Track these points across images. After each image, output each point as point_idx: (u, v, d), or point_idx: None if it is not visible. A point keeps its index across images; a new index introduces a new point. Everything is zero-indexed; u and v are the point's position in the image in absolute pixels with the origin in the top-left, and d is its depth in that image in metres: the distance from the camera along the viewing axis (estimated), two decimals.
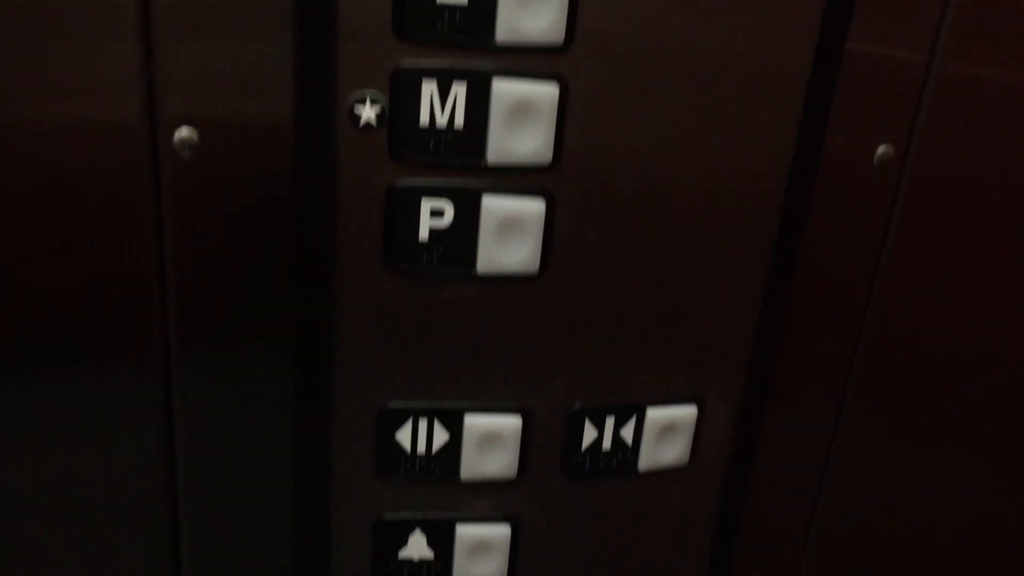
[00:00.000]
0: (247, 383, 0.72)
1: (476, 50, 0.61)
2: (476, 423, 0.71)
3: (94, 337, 0.68)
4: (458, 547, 0.75)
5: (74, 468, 0.72)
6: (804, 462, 0.87)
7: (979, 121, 0.76)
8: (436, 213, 0.64)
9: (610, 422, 0.73)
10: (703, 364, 0.75)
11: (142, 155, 0.64)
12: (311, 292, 0.67)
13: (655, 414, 0.74)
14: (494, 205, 0.65)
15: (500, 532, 0.75)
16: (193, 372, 0.70)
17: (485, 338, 0.69)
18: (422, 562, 0.75)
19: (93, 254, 0.66)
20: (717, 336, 0.75)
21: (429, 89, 0.61)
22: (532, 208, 0.65)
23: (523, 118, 0.62)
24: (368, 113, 0.62)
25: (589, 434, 0.73)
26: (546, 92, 0.62)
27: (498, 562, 0.76)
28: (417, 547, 0.75)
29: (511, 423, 0.71)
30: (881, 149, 0.75)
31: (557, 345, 0.70)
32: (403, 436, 0.71)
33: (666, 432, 0.75)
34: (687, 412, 0.75)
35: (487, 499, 0.75)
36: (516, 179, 0.65)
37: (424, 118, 0.62)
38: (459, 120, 0.62)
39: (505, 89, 0.62)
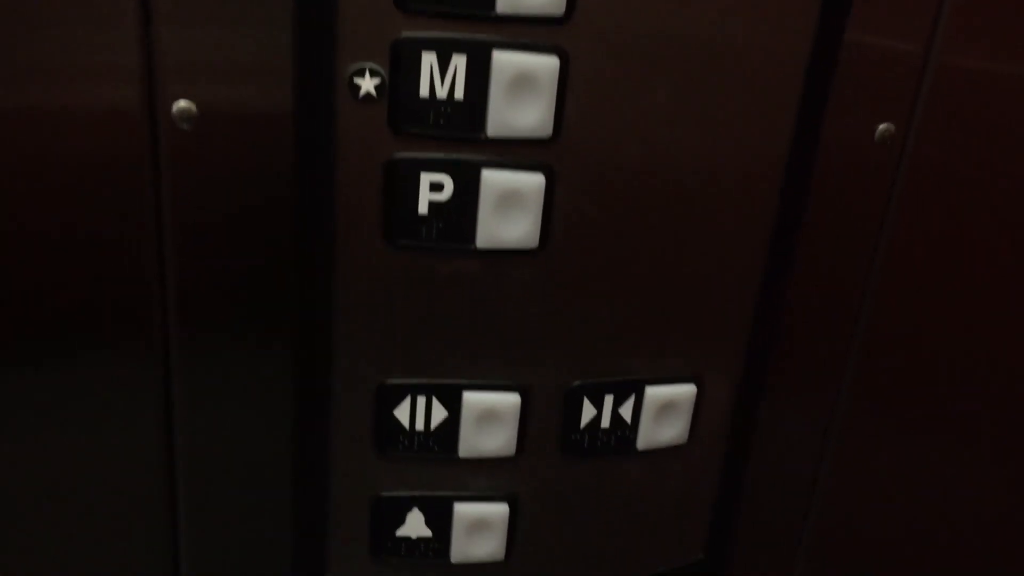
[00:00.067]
0: (247, 379, 0.71)
1: (476, 21, 0.61)
2: (475, 400, 0.71)
3: (93, 327, 0.68)
4: (456, 525, 0.75)
5: (74, 466, 0.72)
6: (799, 459, 0.87)
7: (976, 110, 0.76)
8: (435, 186, 0.64)
9: (609, 400, 0.73)
10: (702, 343, 0.75)
11: (142, 140, 0.64)
12: (311, 268, 0.67)
13: (654, 392, 0.74)
14: (494, 178, 0.64)
15: (498, 510, 0.75)
16: (192, 367, 0.70)
17: (484, 314, 0.69)
18: (420, 540, 0.75)
19: (92, 244, 0.66)
20: (716, 315, 0.74)
21: (429, 61, 0.61)
22: (532, 182, 0.65)
23: (523, 91, 0.62)
24: (368, 85, 0.61)
25: (588, 412, 0.73)
26: (547, 64, 0.62)
27: (496, 540, 0.76)
28: (415, 525, 0.75)
29: (510, 400, 0.71)
30: (882, 127, 0.75)
31: (556, 321, 0.70)
32: (401, 413, 0.71)
33: (665, 410, 0.75)
34: (686, 391, 0.75)
35: (485, 477, 0.74)
36: (516, 153, 0.64)
37: (424, 90, 0.62)
38: (459, 92, 0.62)
39: (506, 61, 0.61)
